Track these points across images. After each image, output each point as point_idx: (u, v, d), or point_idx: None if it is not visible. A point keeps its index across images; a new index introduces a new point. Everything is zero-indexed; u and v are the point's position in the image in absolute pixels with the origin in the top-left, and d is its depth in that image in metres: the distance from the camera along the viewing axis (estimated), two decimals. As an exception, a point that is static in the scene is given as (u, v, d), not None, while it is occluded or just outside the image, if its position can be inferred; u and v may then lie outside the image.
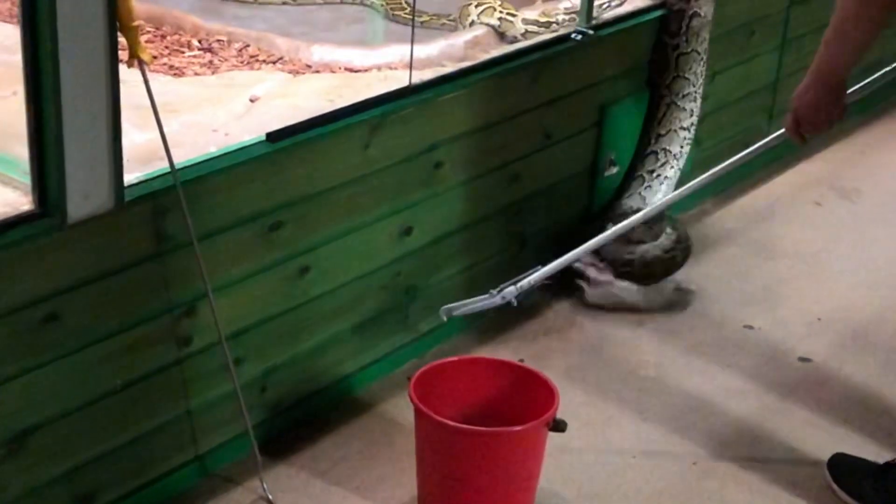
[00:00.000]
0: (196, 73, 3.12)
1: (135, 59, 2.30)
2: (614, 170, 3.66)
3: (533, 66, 3.28)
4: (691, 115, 3.69)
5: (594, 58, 3.48)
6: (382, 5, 3.98)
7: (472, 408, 2.75)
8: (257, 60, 3.27)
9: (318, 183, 2.79)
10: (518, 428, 2.58)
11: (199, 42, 3.37)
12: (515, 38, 3.48)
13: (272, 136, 2.68)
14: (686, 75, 3.63)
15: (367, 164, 2.89)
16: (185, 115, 2.62)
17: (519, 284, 2.88)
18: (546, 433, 2.63)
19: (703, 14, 3.61)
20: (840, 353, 3.37)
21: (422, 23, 3.90)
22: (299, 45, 3.30)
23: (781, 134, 2.86)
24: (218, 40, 3.38)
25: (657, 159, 3.65)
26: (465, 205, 3.23)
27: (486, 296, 2.91)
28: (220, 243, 2.60)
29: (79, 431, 2.44)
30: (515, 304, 2.88)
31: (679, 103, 3.64)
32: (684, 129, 3.68)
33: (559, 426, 2.61)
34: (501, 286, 2.90)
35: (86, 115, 2.23)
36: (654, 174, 3.65)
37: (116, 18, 2.22)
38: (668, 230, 3.56)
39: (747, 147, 4.07)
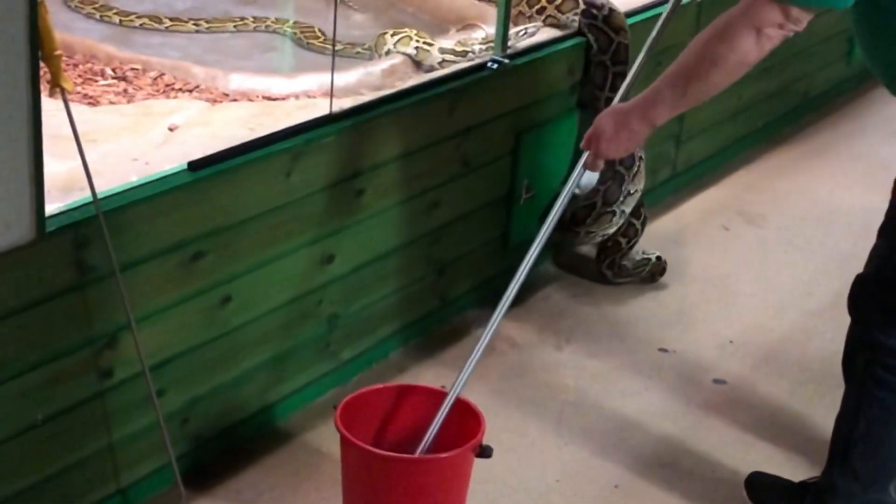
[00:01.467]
0: (111, 102, 3.09)
1: (56, 87, 2.27)
2: (530, 195, 3.70)
3: (449, 94, 3.31)
4: None
5: (509, 86, 3.52)
6: (296, 34, 3.99)
7: (398, 435, 2.75)
8: (173, 89, 3.25)
9: (240, 212, 2.77)
10: (445, 455, 2.58)
11: (113, 70, 3.33)
12: (432, 66, 3.51)
13: (194, 165, 2.67)
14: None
15: (289, 193, 2.89)
16: (103, 144, 2.60)
17: None
18: (472, 459, 2.64)
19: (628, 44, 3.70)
20: (753, 374, 3.44)
21: (336, 51, 3.91)
22: (216, 73, 3.29)
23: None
24: (132, 69, 3.35)
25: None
26: (385, 232, 3.24)
27: None
28: (142, 273, 2.57)
29: (0, 466, 2.40)
30: None
31: None
32: None
33: (485, 452, 2.62)
34: None
35: (7, 145, 2.19)
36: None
37: (39, 47, 2.20)
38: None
39: (655, 173, 4.17)
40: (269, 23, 4.07)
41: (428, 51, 3.52)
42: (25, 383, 2.39)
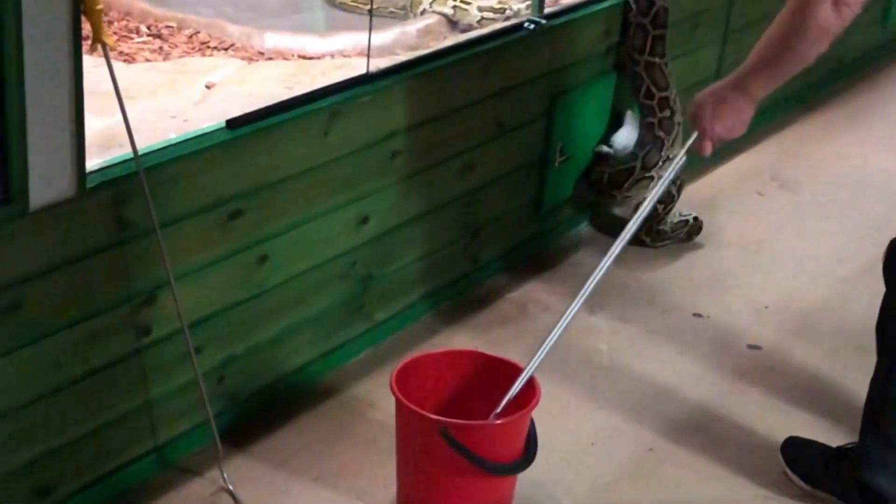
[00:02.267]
0: (147, 59, 3.08)
1: (98, 43, 2.26)
2: (564, 158, 3.68)
3: (485, 55, 3.28)
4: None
5: (545, 48, 3.49)
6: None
7: (446, 401, 2.73)
8: (209, 47, 3.24)
9: (277, 171, 2.76)
10: (503, 421, 2.56)
11: (148, 28, 3.33)
12: (470, 25, 3.48)
13: (232, 123, 2.65)
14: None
15: (326, 152, 2.88)
16: (141, 101, 2.59)
17: None
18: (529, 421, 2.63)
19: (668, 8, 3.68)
20: (788, 340, 3.42)
21: (367, 10, 3.89)
22: (251, 31, 3.28)
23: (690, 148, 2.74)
24: (167, 26, 3.34)
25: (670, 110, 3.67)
26: (419, 194, 3.22)
27: None
28: (180, 231, 2.57)
29: (38, 423, 2.40)
30: None
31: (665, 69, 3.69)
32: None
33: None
34: None
35: (49, 101, 2.19)
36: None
37: (81, 2, 2.19)
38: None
39: (687, 138, 4.13)
40: (302, -19, 4.05)
41: (466, 9, 3.49)
42: (64, 340, 2.39)
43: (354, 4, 3.87)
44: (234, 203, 2.68)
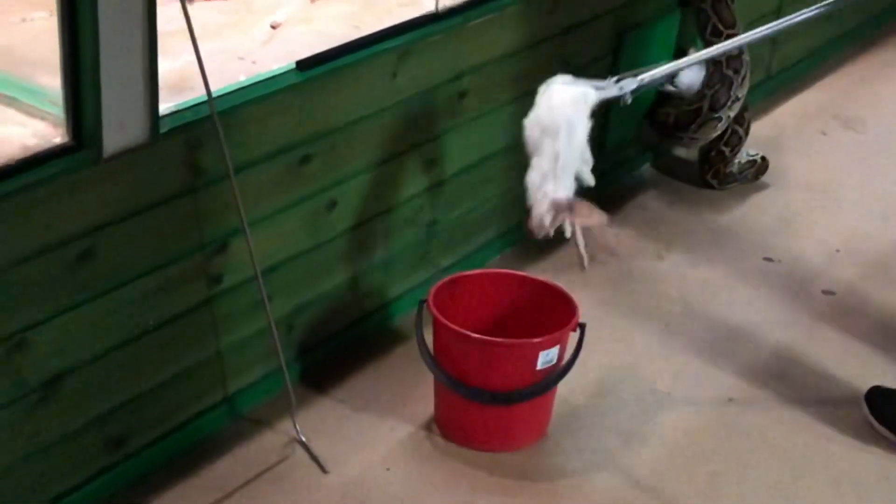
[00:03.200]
0: (203, -1, 2.97)
1: (173, -18, 2.17)
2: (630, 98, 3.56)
3: (554, -9, 3.18)
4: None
5: (612, -17, 3.39)
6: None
7: (486, 320, 2.74)
8: (268, -17, 3.11)
9: (346, 113, 2.68)
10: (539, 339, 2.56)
11: (203, -34, 3.20)
12: None
13: (302, 65, 2.56)
14: None
15: (395, 93, 2.78)
16: (207, 42, 2.47)
17: (640, 77, 2.69)
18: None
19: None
20: (862, 284, 3.33)
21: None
22: (311, -31, 3.15)
23: None
24: (223, -37, 3.22)
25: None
26: (485, 136, 3.13)
27: (603, 82, 2.67)
28: (251, 178, 2.49)
29: (111, 375, 2.34)
30: (629, 101, 2.68)
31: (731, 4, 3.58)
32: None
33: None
34: (620, 76, 2.69)
35: (123, 42, 2.10)
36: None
37: (155, -62, 2.09)
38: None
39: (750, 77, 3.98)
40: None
41: None
42: (139, 289, 2.32)
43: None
44: (305, 147, 2.60)
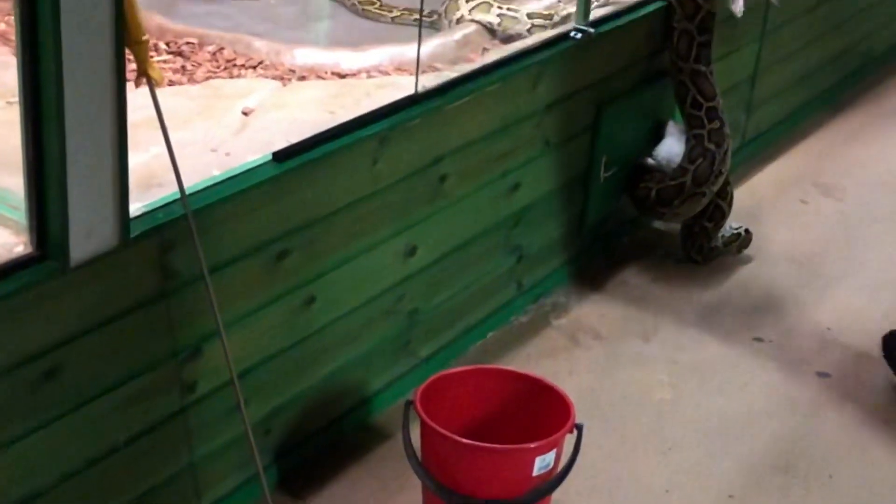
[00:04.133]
0: (171, 82, 2.82)
1: (143, 77, 2.01)
2: (610, 172, 3.45)
3: (534, 68, 3.05)
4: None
5: (592, 57, 3.27)
6: (350, 0, 3.70)
7: (476, 421, 2.59)
8: (235, 65, 2.99)
9: (325, 204, 2.53)
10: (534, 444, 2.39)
11: (167, 45, 3.07)
12: (519, 34, 3.24)
13: (279, 156, 2.41)
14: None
15: (375, 181, 2.64)
16: (176, 131, 2.32)
17: None
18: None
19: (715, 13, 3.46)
20: (857, 365, 3.21)
21: (392, 18, 3.65)
22: (279, 47, 3.03)
23: None
24: (188, 43, 3.08)
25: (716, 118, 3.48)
26: (467, 219, 3.00)
27: None
28: (226, 277, 2.33)
29: (79, 496, 2.16)
30: None
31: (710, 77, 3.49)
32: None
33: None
34: None
35: (91, 144, 1.94)
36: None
37: (125, 32, 1.94)
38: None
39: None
40: (319, -14, 3.80)
41: (515, 17, 3.24)
42: (108, 404, 2.15)
43: (378, 11, 3.63)
44: (282, 242, 2.44)
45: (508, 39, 3.28)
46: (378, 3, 3.67)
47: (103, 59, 1.92)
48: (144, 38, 1.98)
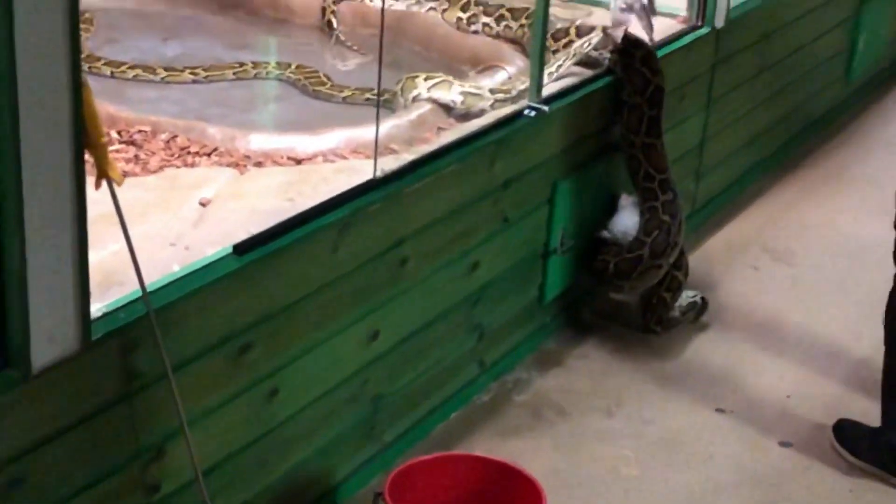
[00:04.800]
0: (126, 172, 2.78)
1: (103, 179, 1.98)
2: (567, 247, 3.45)
3: (491, 147, 3.06)
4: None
5: (547, 133, 3.28)
6: (300, 80, 3.69)
7: None
8: (189, 153, 2.95)
9: (287, 295, 2.50)
10: None
11: (119, 134, 3.03)
12: (482, 110, 3.23)
13: (240, 248, 2.38)
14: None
15: (336, 268, 2.62)
16: (134, 225, 2.28)
17: None
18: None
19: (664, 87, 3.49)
20: (818, 434, 3.21)
21: (343, 98, 3.64)
22: (234, 133, 3.00)
23: None
24: (140, 131, 3.05)
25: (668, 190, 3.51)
26: (428, 300, 2.98)
27: None
28: (189, 375, 2.28)
29: None
30: None
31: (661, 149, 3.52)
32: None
33: None
34: None
35: (52, 248, 1.90)
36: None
37: (84, 134, 1.91)
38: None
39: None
40: (269, 68, 3.78)
41: (479, 94, 3.24)
42: (71, 513, 2.10)
43: (330, 92, 3.62)
44: (245, 336, 2.40)
45: (463, 117, 3.28)
46: (329, 84, 3.66)
47: (63, 163, 1.88)
48: (103, 139, 1.96)
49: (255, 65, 3.76)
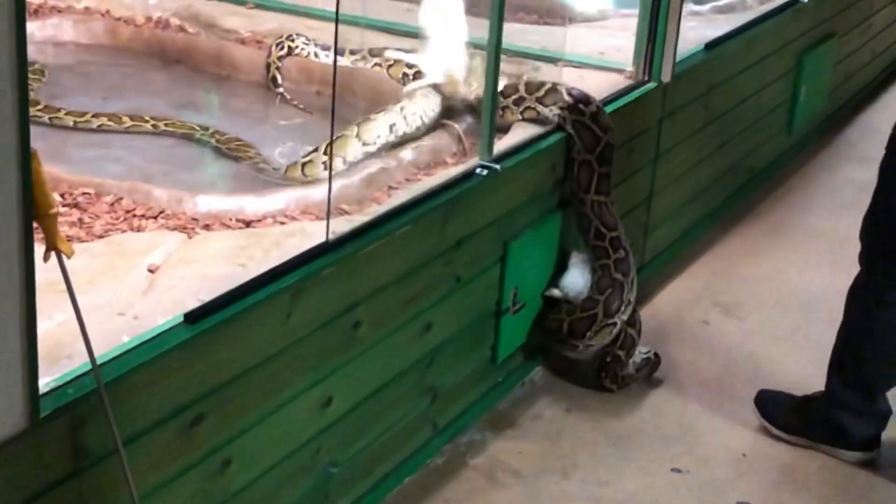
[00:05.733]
0: (69, 237, 2.70)
1: (51, 251, 1.91)
2: (519, 306, 3.41)
3: (443, 207, 3.02)
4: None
5: (497, 191, 3.25)
6: (217, 145, 3.58)
7: None
8: (135, 216, 2.88)
9: (239, 363, 2.43)
10: None
11: (62, 196, 2.95)
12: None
13: (191, 317, 2.32)
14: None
15: (289, 335, 2.55)
16: (80, 294, 2.20)
17: None
18: None
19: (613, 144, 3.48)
20: (776, 492, 3.20)
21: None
22: (181, 195, 2.93)
23: None
24: (84, 193, 2.97)
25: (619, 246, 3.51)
26: (381, 364, 2.92)
27: None
28: (138, 449, 2.21)
29: None
30: None
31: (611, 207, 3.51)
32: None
33: None
34: None
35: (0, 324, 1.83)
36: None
37: (33, 205, 1.85)
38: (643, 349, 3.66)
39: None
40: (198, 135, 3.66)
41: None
42: None
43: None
44: (196, 407, 2.33)
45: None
46: (251, 152, 3.54)
47: (11, 235, 1.82)
48: (53, 210, 1.89)
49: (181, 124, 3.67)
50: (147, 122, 3.64)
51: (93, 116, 3.60)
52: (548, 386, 3.63)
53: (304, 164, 3.25)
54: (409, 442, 3.13)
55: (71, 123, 3.57)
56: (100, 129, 3.59)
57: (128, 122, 3.60)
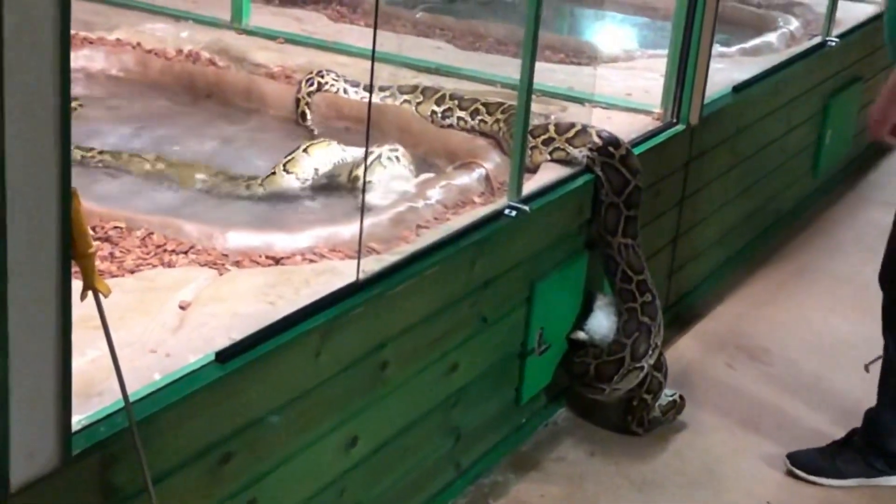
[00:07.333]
0: (101, 272, 2.70)
1: (89, 291, 1.92)
2: (545, 347, 3.41)
3: (472, 248, 3.02)
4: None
5: (525, 232, 3.25)
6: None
7: None
8: (166, 251, 2.88)
9: (268, 402, 2.43)
10: None
11: (94, 230, 2.96)
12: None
13: (222, 356, 2.32)
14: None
15: (318, 374, 2.56)
16: (113, 331, 2.22)
17: None
18: None
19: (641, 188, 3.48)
20: (801, 539, 3.18)
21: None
22: (212, 231, 2.94)
23: None
24: (115, 227, 2.98)
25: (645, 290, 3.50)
26: (407, 404, 2.92)
27: None
28: (167, 489, 2.20)
29: None
30: None
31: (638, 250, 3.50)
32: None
33: None
34: None
35: (36, 364, 1.84)
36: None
37: (71, 245, 1.86)
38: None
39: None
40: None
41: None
42: None
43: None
44: (225, 445, 2.33)
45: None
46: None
47: (49, 275, 1.83)
48: (91, 250, 1.90)
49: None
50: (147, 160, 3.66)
51: (98, 153, 3.63)
52: (571, 428, 3.62)
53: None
54: (432, 482, 3.13)
55: (79, 157, 3.56)
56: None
57: (125, 157, 3.64)
